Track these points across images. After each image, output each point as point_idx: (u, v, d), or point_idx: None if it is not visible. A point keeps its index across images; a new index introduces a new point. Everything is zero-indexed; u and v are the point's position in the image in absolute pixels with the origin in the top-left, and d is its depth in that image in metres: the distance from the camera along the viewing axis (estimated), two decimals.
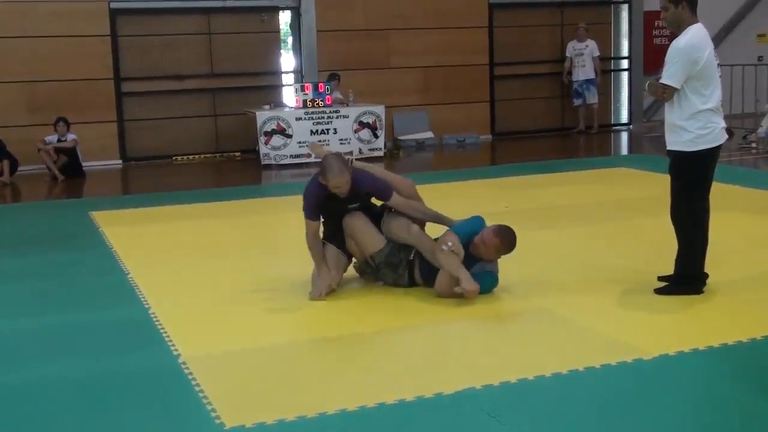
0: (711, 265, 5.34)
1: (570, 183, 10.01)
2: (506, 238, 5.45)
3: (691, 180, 5.22)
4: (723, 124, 5.25)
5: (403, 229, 5.55)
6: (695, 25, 5.16)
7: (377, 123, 12.81)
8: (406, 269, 5.62)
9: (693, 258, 5.32)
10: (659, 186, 9.62)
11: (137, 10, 13.16)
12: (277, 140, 12.32)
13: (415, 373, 4.31)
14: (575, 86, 15.04)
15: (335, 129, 12.59)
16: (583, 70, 14.97)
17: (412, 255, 5.60)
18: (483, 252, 5.45)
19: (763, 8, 16.91)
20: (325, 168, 5.46)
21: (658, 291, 5.38)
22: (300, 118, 12.43)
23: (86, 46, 12.78)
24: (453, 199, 7.94)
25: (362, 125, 12.74)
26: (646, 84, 5.44)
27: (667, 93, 5.14)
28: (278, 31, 14.23)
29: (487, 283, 5.46)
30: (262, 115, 12.32)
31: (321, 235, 5.77)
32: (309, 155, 12.45)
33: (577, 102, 15.12)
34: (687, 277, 5.34)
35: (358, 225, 5.63)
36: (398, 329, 4.99)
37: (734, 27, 16.71)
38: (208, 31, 13.53)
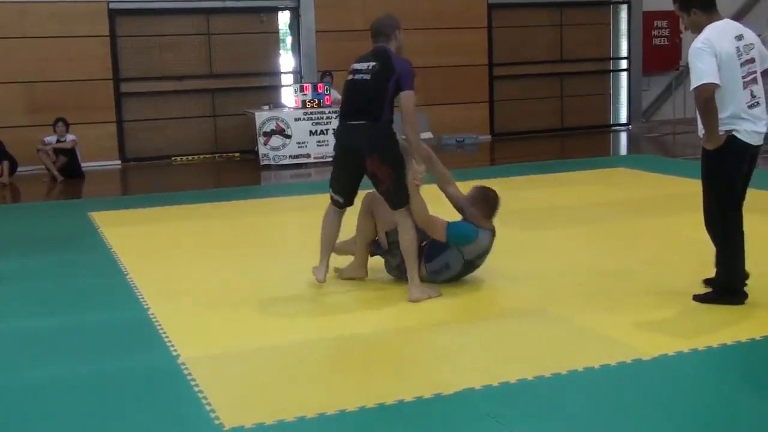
0: (710, 264, 5.33)
1: (569, 183, 10.01)
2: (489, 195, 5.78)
3: (718, 184, 5.03)
4: (753, 127, 4.94)
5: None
6: (711, 24, 4.97)
7: None
8: None
9: (727, 267, 5.10)
10: (658, 186, 9.68)
11: (136, 10, 13.16)
12: (276, 141, 12.32)
13: (415, 373, 4.31)
14: None
15: (334, 129, 12.55)
16: None
17: (423, 243, 5.66)
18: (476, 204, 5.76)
19: (763, 9, 16.91)
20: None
21: (697, 297, 5.20)
22: (299, 119, 12.43)
23: (85, 46, 12.79)
24: None
25: None
26: None
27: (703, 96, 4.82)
28: (277, 32, 14.24)
29: (464, 228, 5.61)
30: (261, 116, 12.32)
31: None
32: (308, 155, 12.48)
33: None
34: (728, 287, 5.12)
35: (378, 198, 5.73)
36: (398, 329, 4.98)
37: None
38: (207, 31, 13.54)
